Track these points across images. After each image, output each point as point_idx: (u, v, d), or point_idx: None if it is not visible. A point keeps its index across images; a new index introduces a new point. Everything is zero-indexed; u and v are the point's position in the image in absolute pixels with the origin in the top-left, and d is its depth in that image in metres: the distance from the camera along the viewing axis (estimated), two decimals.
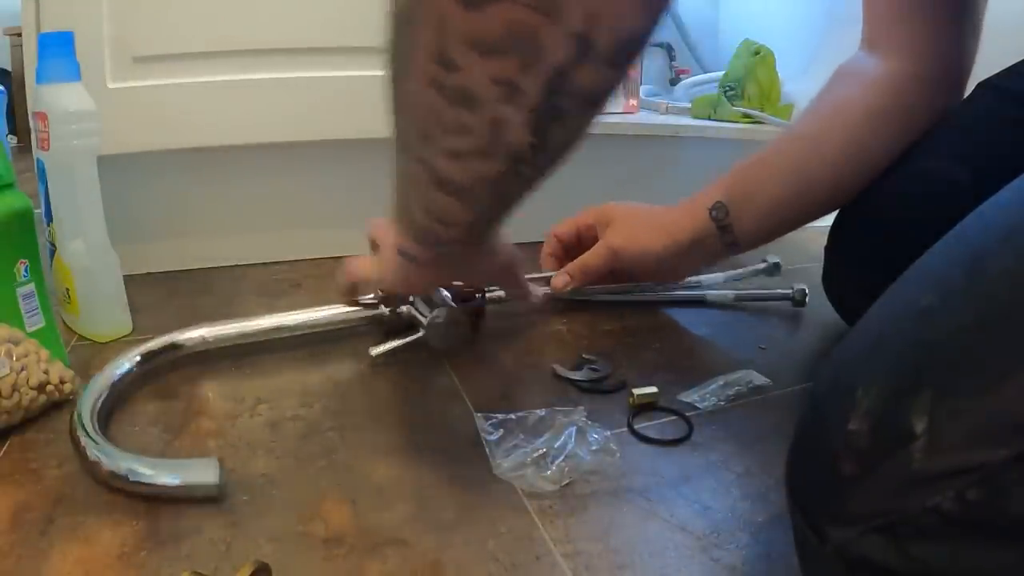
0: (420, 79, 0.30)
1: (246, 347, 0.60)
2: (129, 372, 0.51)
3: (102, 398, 0.47)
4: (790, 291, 0.73)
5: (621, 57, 0.28)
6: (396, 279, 0.51)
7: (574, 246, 0.70)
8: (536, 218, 0.97)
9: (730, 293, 0.74)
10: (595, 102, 0.32)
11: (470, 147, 0.32)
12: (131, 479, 0.40)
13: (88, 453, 0.42)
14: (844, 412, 0.28)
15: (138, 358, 0.52)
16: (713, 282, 0.76)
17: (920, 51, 0.56)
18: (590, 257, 0.67)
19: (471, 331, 0.61)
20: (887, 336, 0.30)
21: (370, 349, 0.57)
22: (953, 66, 0.57)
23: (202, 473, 0.40)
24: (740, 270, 0.78)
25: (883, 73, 0.57)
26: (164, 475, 0.41)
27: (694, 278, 0.75)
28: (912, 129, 0.57)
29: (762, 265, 0.78)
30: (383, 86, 0.35)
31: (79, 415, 0.44)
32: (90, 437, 0.43)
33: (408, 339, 0.58)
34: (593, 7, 0.25)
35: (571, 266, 0.67)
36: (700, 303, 0.74)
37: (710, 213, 0.61)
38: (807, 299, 0.73)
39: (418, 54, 0.29)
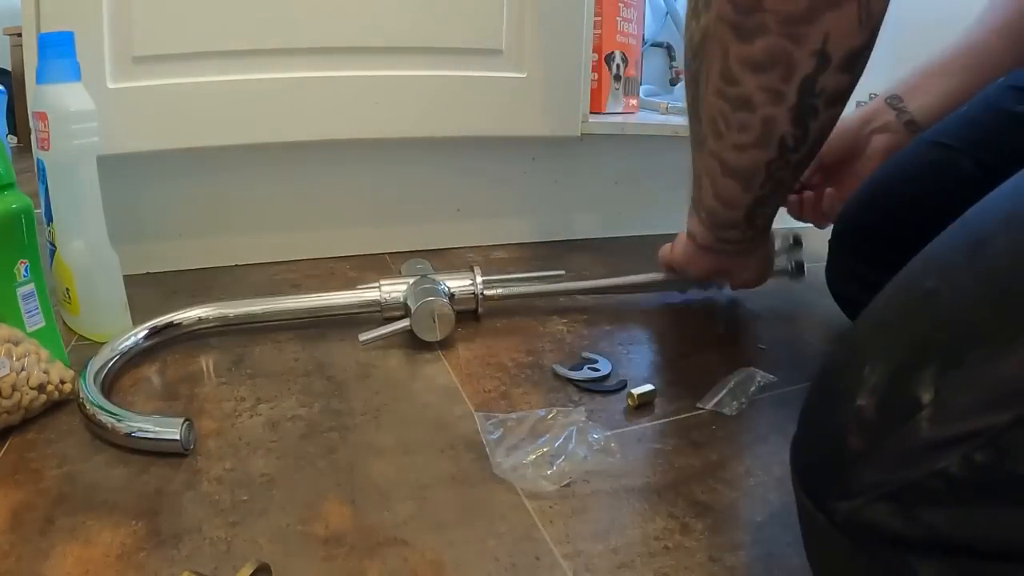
0: (712, 93, 0.44)
1: (245, 339, 0.60)
2: (135, 346, 0.57)
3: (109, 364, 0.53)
4: (788, 266, 0.75)
5: (850, 65, 0.40)
6: (683, 257, 0.64)
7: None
8: (538, 217, 0.98)
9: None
10: (837, 100, 0.44)
11: (750, 140, 0.45)
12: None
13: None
14: (851, 389, 0.29)
15: (144, 332, 0.57)
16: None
17: None
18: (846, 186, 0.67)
19: (456, 324, 0.62)
20: (892, 317, 0.31)
21: (359, 336, 0.59)
22: None
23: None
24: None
25: None
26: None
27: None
28: None
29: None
30: (687, 106, 0.50)
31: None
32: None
33: (395, 327, 0.59)
34: (826, 32, 0.38)
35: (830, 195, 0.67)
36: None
37: (886, 101, 0.64)
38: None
39: (710, 75, 0.43)
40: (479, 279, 0.66)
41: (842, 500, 0.27)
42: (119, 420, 0.45)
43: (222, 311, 0.61)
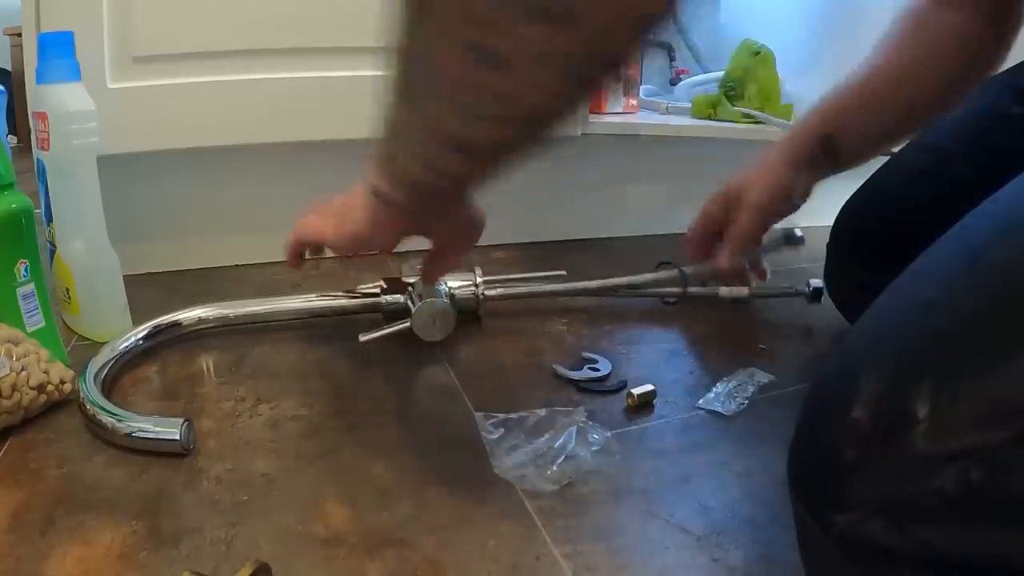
0: (454, 41, 0.30)
1: (245, 339, 0.60)
2: (135, 346, 0.57)
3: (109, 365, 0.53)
4: (804, 287, 0.72)
5: (636, 34, 0.30)
6: (363, 225, 0.48)
7: (710, 234, 0.68)
8: (538, 216, 0.98)
9: (744, 289, 0.72)
10: (612, 69, 0.36)
11: (496, 112, 0.33)
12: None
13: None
14: (847, 400, 0.28)
15: (145, 332, 0.58)
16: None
17: (980, 12, 0.56)
18: (741, 223, 0.64)
19: (456, 324, 0.61)
20: (889, 328, 0.30)
21: (359, 336, 0.58)
22: (1010, 25, 0.57)
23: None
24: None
25: (955, 28, 0.57)
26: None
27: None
28: (973, 80, 0.58)
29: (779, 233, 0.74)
30: (387, 39, 0.35)
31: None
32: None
33: (396, 327, 0.59)
34: None
35: (727, 239, 0.65)
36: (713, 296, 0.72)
37: (822, 144, 0.61)
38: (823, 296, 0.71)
39: (453, 17, 0.30)
40: (480, 279, 0.66)
41: (838, 513, 0.27)
42: (119, 420, 0.45)
43: (222, 311, 0.62)
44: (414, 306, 0.60)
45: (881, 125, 0.61)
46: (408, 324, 0.60)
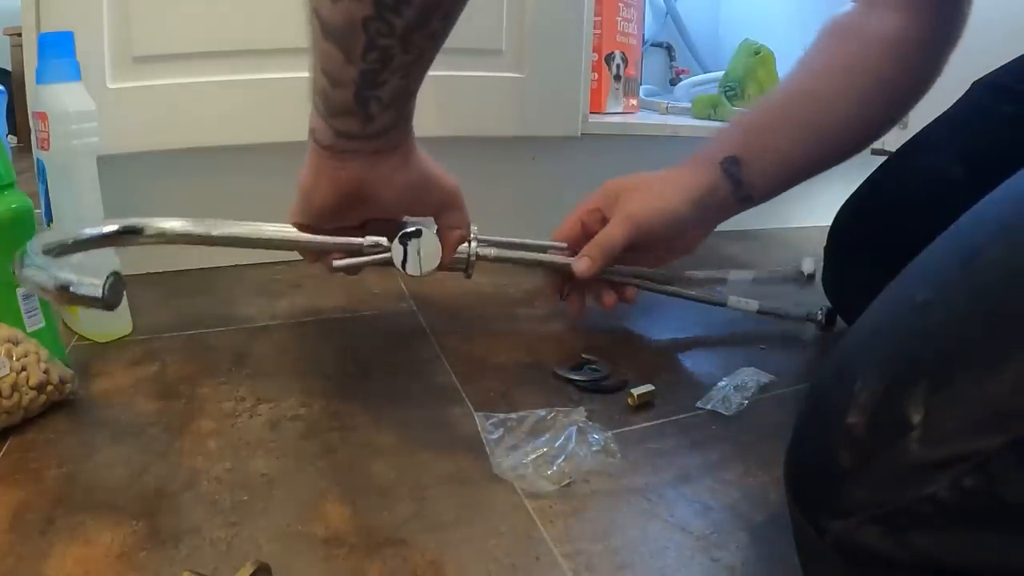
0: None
1: (245, 339, 0.60)
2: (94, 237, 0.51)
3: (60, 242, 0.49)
4: (817, 313, 0.67)
5: None
6: (307, 172, 0.52)
7: (580, 240, 0.65)
8: (538, 217, 0.97)
9: (754, 303, 0.67)
10: None
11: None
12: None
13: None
14: (842, 406, 0.28)
15: (112, 229, 0.52)
16: (741, 279, 0.69)
17: (921, 10, 0.55)
18: (609, 230, 0.61)
19: (442, 261, 0.55)
20: (885, 331, 0.30)
21: (332, 262, 0.55)
22: (950, 25, 0.56)
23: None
24: (767, 274, 0.71)
25: (887, 32, 0.56)
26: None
27: (719, 273, 0.69)
28: (915, 87, 0.57)
29: (792, 272, 0.70)
30: None
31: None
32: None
33: (373, 257, 0.55)
34: None
35: (589, 246, 0.62)
36: (721, 305, 0.67)
37: (722, 166, 0.59)
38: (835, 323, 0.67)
39: None
40: (474, 236, 0.61)
41: (834, 519, 0.27)
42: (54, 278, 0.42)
43: (197, 229, 0.57)
44: (394, 239, 0.55)
45: (790, 149, 0.59)
46: (388, 255, 0.54)
